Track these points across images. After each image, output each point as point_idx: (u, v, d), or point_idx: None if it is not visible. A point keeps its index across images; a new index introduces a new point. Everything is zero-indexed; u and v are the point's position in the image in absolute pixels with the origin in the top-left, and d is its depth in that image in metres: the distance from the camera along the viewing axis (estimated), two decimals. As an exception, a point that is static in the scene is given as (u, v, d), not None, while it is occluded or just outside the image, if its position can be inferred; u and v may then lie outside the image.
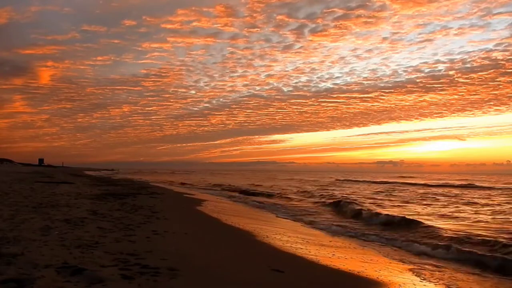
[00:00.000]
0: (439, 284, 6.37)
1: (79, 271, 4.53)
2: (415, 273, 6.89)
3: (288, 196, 25.55)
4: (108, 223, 8.52)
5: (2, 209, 9.66)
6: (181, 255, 6.02)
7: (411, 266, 7.49)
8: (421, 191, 31.46)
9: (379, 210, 16.41)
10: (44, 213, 9.42)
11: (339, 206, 18.44)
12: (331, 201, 20.77)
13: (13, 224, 7.53)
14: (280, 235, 9.77)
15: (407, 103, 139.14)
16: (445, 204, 20.18)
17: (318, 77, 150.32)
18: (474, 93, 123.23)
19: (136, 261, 5.25)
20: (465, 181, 53.12)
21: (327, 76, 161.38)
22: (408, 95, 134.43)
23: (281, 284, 5.25)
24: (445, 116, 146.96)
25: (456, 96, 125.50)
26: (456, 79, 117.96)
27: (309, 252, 7.91)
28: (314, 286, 5.50)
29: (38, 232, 6.86)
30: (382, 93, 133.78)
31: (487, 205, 19.70)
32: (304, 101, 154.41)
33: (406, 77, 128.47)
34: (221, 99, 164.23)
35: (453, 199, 22.90)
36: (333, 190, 32.10)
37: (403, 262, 7.92)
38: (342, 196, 23.21)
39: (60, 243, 6.06)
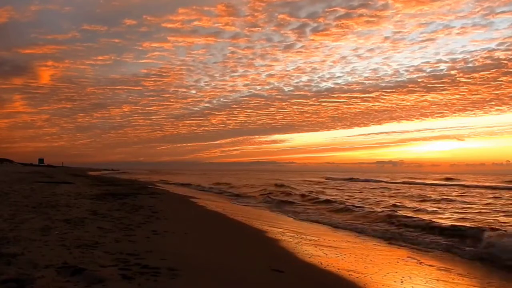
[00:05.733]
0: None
1: (79, 271, 4.52)
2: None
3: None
4: (108, 223, 8.51)
5: (2, 209, 9.65)
6: (181, 255, 6.01)
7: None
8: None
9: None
10: (44, 213, 9.41)
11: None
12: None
13: (13, 224, 7.52)
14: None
15: (408, 103, 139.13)
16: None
17: (319, 77, 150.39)
18: (476, 93, 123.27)
19: (136, 261, 5.24)
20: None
21: (328, 76, 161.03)
22: (410, 95, 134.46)
23: (281, 284, 5.25)
24: (446, 116, 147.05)
25: (457, 96, 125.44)
26: (457, 78, 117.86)
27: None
28: (314, 286, 5.50)
29: (38, 232, 6.86)
30: (383, 93, 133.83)
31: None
32: (305, 101, 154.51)
33: (408, 76, 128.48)
34: (221, 99, 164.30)
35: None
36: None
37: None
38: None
39: (60, 243, 6.06)
